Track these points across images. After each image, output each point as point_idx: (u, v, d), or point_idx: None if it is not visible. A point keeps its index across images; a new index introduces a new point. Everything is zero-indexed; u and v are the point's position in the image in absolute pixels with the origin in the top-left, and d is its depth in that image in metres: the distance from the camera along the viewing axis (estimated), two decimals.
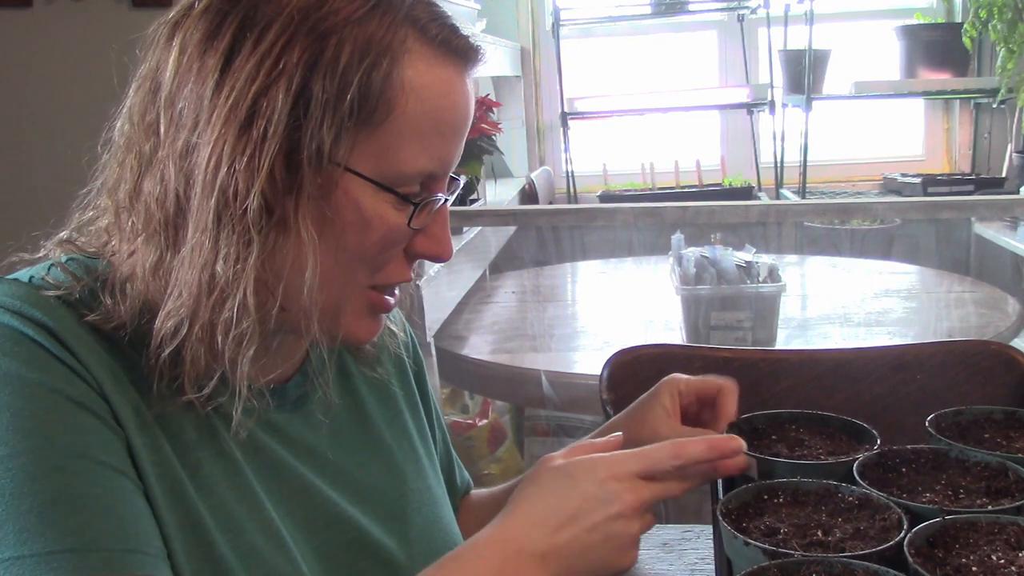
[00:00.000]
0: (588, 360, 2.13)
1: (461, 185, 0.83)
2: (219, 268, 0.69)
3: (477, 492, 1.11)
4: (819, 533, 0.76)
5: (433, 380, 1.93)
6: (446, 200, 0.78)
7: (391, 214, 0.74)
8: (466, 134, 0.78)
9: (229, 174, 0.68)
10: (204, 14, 0.71)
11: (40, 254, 0.76)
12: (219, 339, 0.70)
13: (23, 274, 0.73)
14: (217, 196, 0.68)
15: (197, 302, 0.69)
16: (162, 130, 0.71)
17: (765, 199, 3.71)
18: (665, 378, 1.01)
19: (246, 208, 0.68)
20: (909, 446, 0.89)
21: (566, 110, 3.82)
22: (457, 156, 0.78)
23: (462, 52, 0.75)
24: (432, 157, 0.74)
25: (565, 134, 3.84)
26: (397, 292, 0.81)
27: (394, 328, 0.95)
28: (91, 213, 0.78)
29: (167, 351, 0.70)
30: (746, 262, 2.18)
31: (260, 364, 0.77)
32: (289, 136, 0.68)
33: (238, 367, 0.71)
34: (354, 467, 0.87)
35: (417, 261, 0.80)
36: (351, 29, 0.69)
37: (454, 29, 0.75)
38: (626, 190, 3.98)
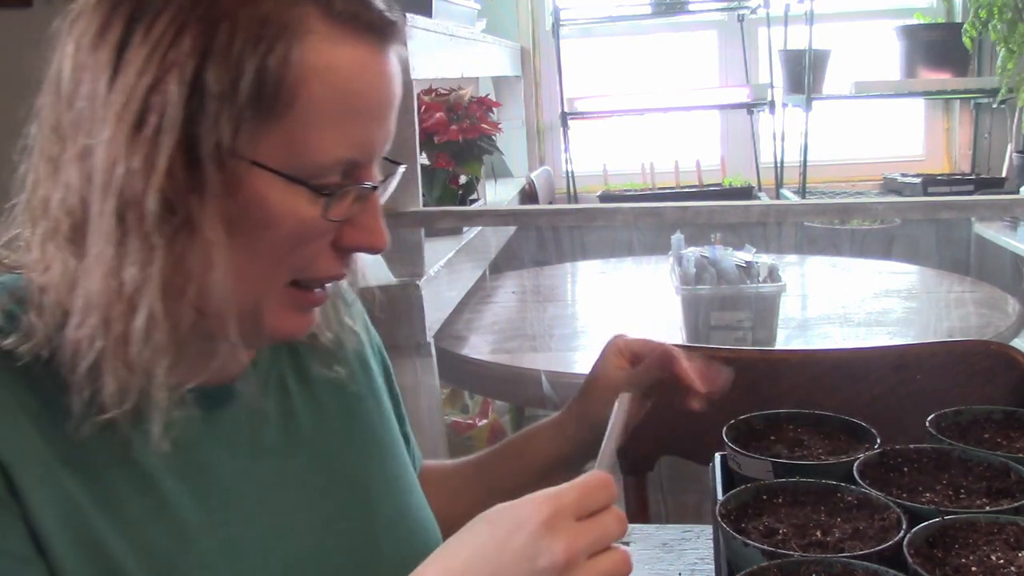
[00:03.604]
0: (588, 360, 2.11)
1: (400, 170, 0.79)
2: (125, 275, 0.65)
3: (432, 464, 1.09)
4: (818, 533, 0.76)
5: (432, 380, 1.93)
6: (375, 188, 0.73)
7: (304, 208, 0.69)
8: (391, 115, 0.73)
9: (126, 175, 0.64)
10: (97, 6, 0.67)
11: None
12: (133, 349, 0.66)
13: None
14: (116, 199, 0.64)
15: (107, 312, 0.66)
16: (65, 133, 0.67)
17: (765, 199, 3.71)
18: (609, 339, 1.03)
19: (145, 210, 0.64)
20: (911, 446, 0.89)
21: (566, 110, 3.82)
22: (382, 140, 0.73)
23: (374, 27, 0.70)
24: (349, 144, 0.69)
25: (565, 134, 3.83)
26: (328, 286, 0.77)
27: (350, 323, 0.90)
28: (16, 227, 0.73)
29: (83, 365, 0.66)
30: (746, 262, 2.17)
31: (203, 366, 0.74)
32: (186, 131, 0.64)
33: (154, 378, 0.67)
34: (312, 465, 0.83)
35: (352, 254, 0.76)
36: (245, 11, 0.65)
37: (363, 3, 0.69)
38: (626, 190, 3.98)
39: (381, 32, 0.70)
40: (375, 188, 0.73)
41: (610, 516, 0.66)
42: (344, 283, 0.88)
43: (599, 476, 0.68)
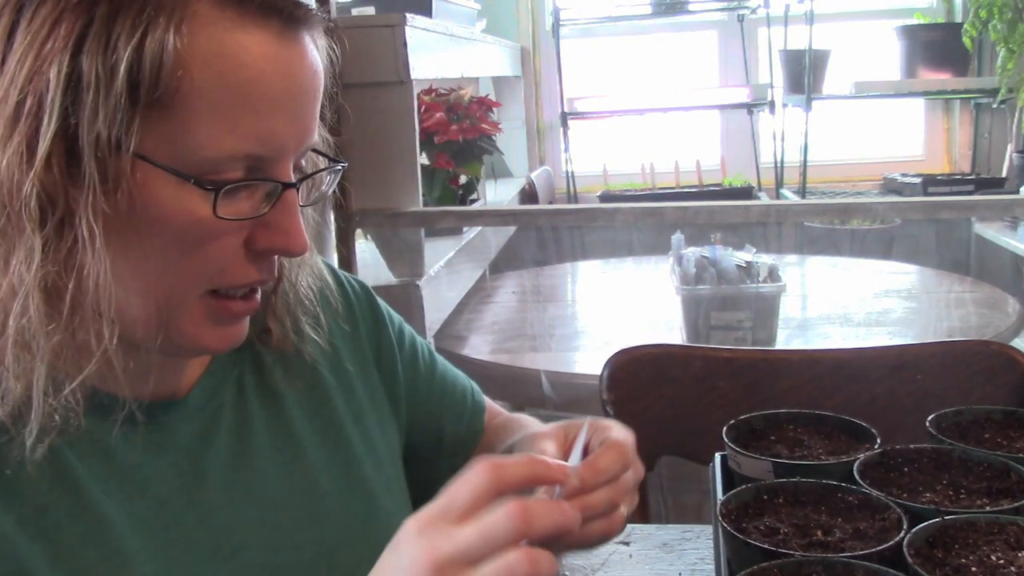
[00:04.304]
0: (588, 360, 2.13)
1: (323, 168, 0.73)
2: (9, 276, 0.62)
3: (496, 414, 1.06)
4: (819, 533, 0.76)
5: None
6: (289, 186, 0.68)
7: (196, 205, 0.64)
8: (304, 107, 0.68)
9: (5, 166, 0.61)
10: None
11: None
12: (11, 351, 0.62)
13: None
14: None
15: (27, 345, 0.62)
16: None
17: (765, 199, 3.71)
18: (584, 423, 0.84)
19: (22, 205, 0.61)
20: (911, 446, 0.89)
21: (566, 110, 3.82)
22: (294, 135, 0.68)
23: (275, 11, 0.65)
24: (244, 137, 0.64)
25: (565, 134, 3.84)
26: (257, 295, 0.72)
27: (310, 331, 0.84)
28: None
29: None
30: (746, 262, 2.18)
31: (140, 379, 0.70)
32: (66, 121, 0.60)
33: (32, 384, 0.63)
34: (266, 476, 0.79)
35: (276, 257, 0.71)
36: None
37: None
38: (626, 190, 3.98)
39: (287, 16, 0.66)
40: (289, 186, 0.68)
41: (498, 514, 0.59)
42: (305, 285, 0.83)
43: (481, 471, 0.62)
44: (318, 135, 0.73)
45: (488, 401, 1.08)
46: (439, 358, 1.03)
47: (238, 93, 0.63)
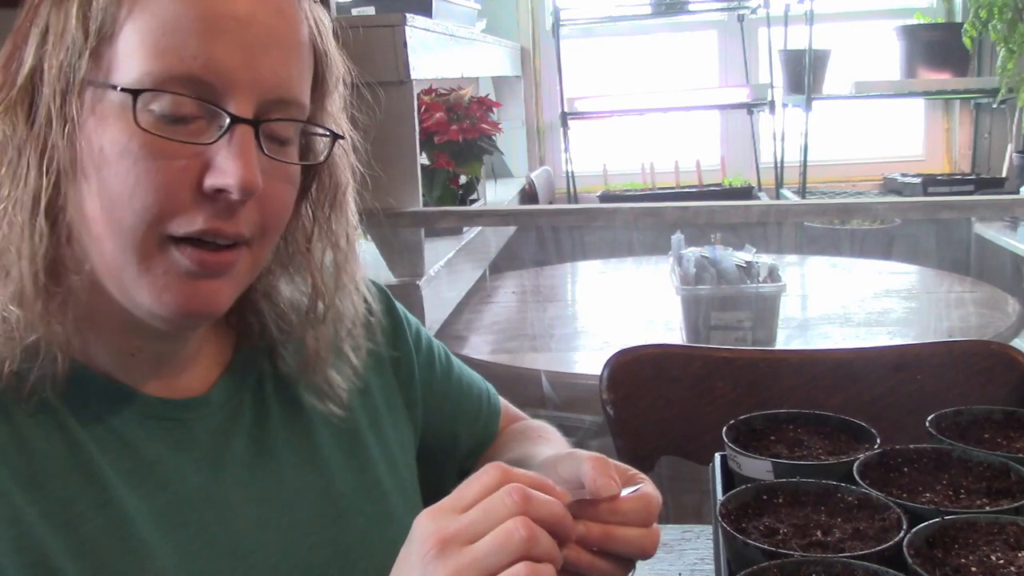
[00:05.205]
0: (588, 360, 2.13)
1: (287, 119, 0.72)
2: None
3: (513, 421, 1.06)
4: (819, 533, 0.76)
5: None
6: (236, 120, 0.68)
7: (128, 120, 0.66)
8: (255, 40, 0.68)
9: None
10: None
11: None
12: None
13: None
14: None
15: None
16: None
17: (765, 199, 3.71)
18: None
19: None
20: (911, 446, 0.89)
21: (566, 110, 3.82)
22: (236, 65, 0.68)
23: None
24: (182, 57, 0.66)
25: (565, 134, 3.84)
26: (232, 254, 0.70)
27: (350, 353, 0.85)
28: None
29: None
30: (746, 262, 2.18)
31: (156, 369, 0.73)
32: (33, 72, 0.67)
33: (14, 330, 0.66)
34: (281, 475, 0.80)
35: (235, 207, 0.69)
36: None
37: None
38: (626, 190, 3.98)
39: None
40: (239, 121, 0.68)
41: (511, 527, 0.60)
42: (360, 306, 0.85)
43: (507, 491, 0.62)
44: (325, 112, 0.76)
45: (506, 404, 1.08)
46: (456, 361, 1.04)
47: (180, 15, 0.66)
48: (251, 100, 0.69)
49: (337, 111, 0.80)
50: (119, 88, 0.66)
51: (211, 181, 0.67)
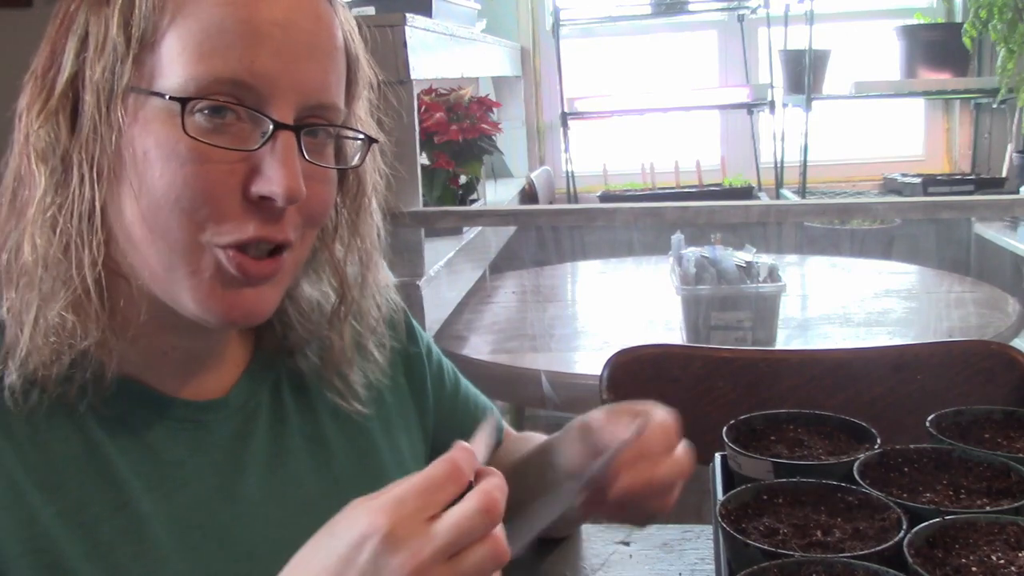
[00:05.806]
0: (588, 360, 2.13)
1: (324, 124, 0.73)
2: (16, 211, 0.68)
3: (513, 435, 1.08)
4: (819, 533, 0.76)
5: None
6: (279, 127, 0.68)
7: (174, 127, 0.66)
8: (297, 47, 0.69)
9: (25, 116, 0.68)
10: None
11: None
12: (21, 291, 0.67)
13: None
14: (21, 153, 0.69)
15: (31, 279, 0.67)
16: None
17: (765, 199, 3.71)
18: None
19: (31, 148, 0.67)
20: (911, 446, 0.89)
21: (566, 110, 3.82)
22: (279, 71, 0.68)
23: None
24: (225, 61, 0.66)
25: (565, 134, 3.83)
26: (278, 263, 0.71)
27: (376, 354, 0.86)
28: None
29: (20, 350, 0.66)
30: (746, 262, 2.17)
31: (182, 372, 0.74)
32: (73, 74, 0.68)
33: (26, 321, 0.66)
34: (298, 477, 0.81)
35: (284, 216, 0.70)
36: None
37: None
38: (626, 190, 3.98)
39: None
40: (281, 127, 0.68)
41: (469, 506, 0.59)
42: (375, 309, 0.86)
43: (445, 465, 0.61)
44: (355, 116, 0.77)
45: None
46: (462, 378, 1.06)
47: (223, 20, 0.67)
48: (292, 105, 0.70)
49: (365, 114, 0.81)
50: (167, 97, 0.66)
51: (257, 188, 0.68)
